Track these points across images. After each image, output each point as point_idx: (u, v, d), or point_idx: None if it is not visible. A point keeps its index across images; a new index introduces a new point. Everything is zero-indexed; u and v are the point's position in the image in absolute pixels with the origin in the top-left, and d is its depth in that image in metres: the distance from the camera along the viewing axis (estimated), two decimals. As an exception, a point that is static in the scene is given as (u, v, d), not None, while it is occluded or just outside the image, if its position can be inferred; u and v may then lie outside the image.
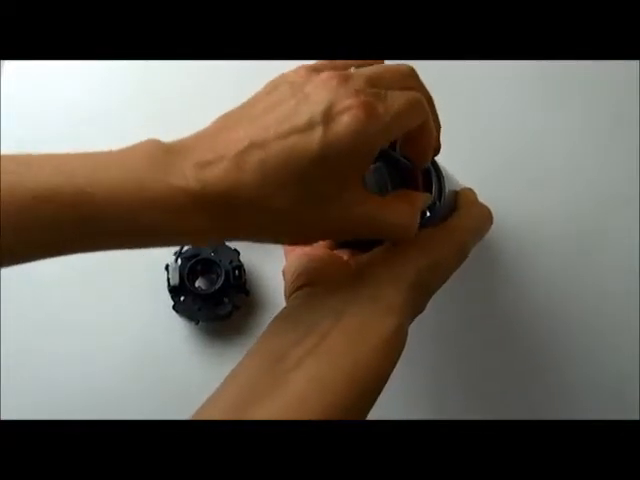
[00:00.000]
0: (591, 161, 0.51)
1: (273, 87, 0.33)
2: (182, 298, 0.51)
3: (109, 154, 0.30)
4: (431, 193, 0.37)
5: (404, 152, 0.36)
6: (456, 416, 0.49)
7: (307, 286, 0.36)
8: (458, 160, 0.39)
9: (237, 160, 0.29)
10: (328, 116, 0.30)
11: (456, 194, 0.41)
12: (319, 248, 0.40)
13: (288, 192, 0.30)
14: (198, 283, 0.52)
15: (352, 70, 0.33)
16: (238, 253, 0.52)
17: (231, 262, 0.51)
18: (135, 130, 0.56)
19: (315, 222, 0.32)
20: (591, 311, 0.49)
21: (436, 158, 0.38)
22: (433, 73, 0.52)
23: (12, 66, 0.58)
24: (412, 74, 0.35)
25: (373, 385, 0.33)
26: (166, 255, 0.51)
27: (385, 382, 0.33)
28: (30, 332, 0.52)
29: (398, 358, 0.34)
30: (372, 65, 0.35)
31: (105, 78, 0.57)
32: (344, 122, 0.29)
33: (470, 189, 0.41)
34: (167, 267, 0.50)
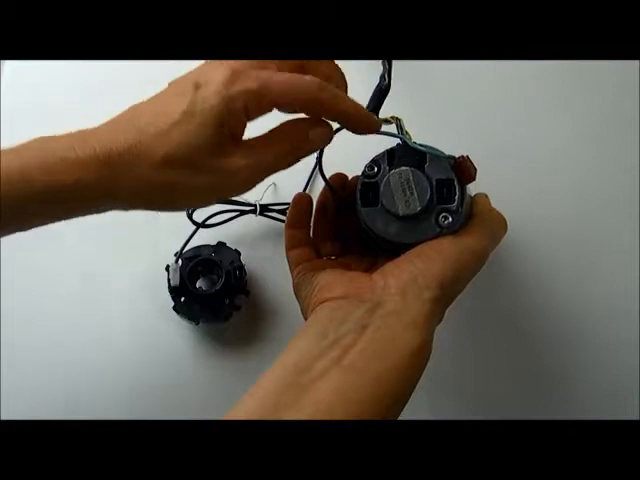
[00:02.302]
0: (591, 162, 0.51)
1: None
2: (183, 299, 0.50)
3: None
4: (454, 200, 0.38)
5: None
6: (454, 416, 0.49)
7: (331, 299, 0.36)
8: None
9: (113, 121, 0.36)
10: (198, 84, 0.34)
11: (471, 199, 0.41)
12: (336, 263, 0.41)
13: (161, 143, 0.34)
14: (199, 284, 0.52)
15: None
16: (239, 254, 0.52)
17: (232, 263, 0.51)
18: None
19: (182, 181, 0.35)
20: (591, 311, 0.49)
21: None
22: (433, 73, 0.53)
23: (12, 66, 0.58)
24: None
25: (397, 397, 0.33)
26: (167, 256, 0.51)
27: (410, 395, 0.33)
28: (31, 332, 0.52)
29: (423, 371, 0.34)
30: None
31: (105, 78, 0.57)
32: (209, 87, 0.34)
33: (485, 194, 0.42)
34: (167, 268, 0.50)
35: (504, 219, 0.41)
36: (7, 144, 0.57)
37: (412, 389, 0.33)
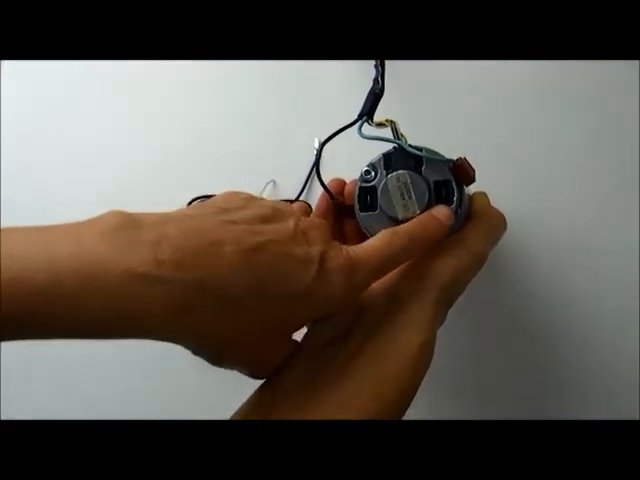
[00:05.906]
0: (590, 161, 0.51)
1: (272, 208, 0.33)
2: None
3: (67, 235, 0.26)
4: (453, 202, 0.38)
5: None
6: (454, 416, 0.49)
7: None
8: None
9: (215, 252, 0.28)
10: (323, 263, 0.31)
11: (470, 198, 0.41)
12: None
13: (264, 321, 0.30)
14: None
15: None
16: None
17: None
18: (136, 130, 0.56)
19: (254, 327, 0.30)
20: (591, 311, 0.49)
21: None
22: (433, 73, 0.53)
23: (12, 66, 0.58)
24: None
25: (400, 400, 0.33)
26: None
27: (412, 397, 0.33)
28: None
29: (424, 372, 0.34)
30: None
31: (105, 78, 0.57)
32: (335, 275, 0.31)
33: (484, 193, 0.41)
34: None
35: (503, 217, 0.41)
36: (7, 144, 0.57)
37: (414, 391, 0.34)
